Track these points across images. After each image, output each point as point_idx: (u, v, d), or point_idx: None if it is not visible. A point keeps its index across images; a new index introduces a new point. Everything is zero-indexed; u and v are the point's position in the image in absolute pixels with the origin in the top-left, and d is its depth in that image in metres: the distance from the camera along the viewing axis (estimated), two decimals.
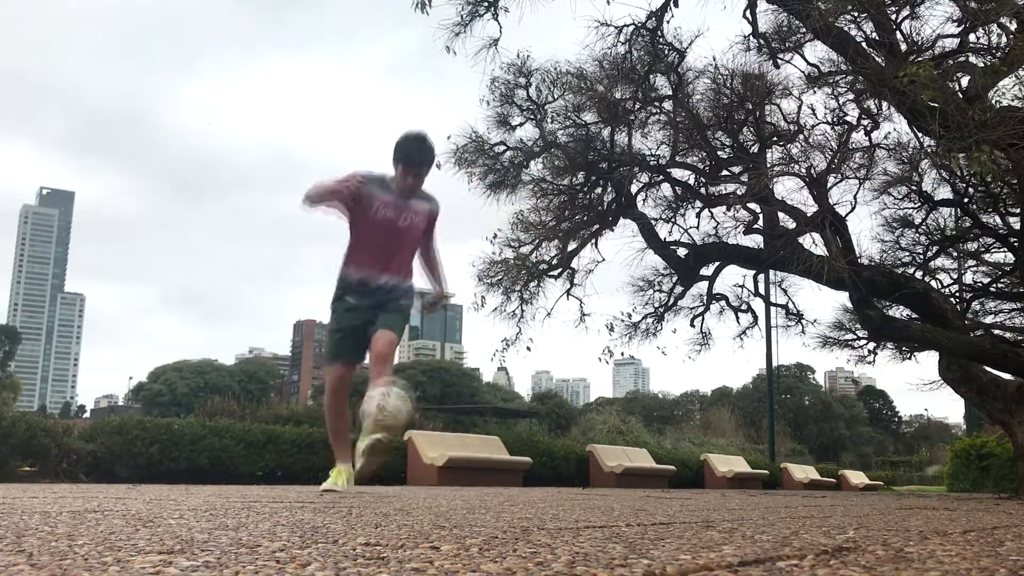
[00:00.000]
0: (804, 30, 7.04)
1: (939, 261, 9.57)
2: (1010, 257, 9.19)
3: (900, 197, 8.79)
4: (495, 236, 8.78)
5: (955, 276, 9.79)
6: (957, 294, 9.54)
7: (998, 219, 8.91)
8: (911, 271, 9.07)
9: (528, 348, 9.02)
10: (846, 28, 6.78)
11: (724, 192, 8.36)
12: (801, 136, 7.94)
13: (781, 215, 7.97)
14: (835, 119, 7.91)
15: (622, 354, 9.59)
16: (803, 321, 9.76)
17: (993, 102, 6.49)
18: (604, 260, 8.94)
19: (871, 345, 10.27)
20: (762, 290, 9.71)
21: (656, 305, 9.25)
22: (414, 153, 4.14)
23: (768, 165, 7.87)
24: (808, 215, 7.57)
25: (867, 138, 7.79)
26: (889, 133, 7.77)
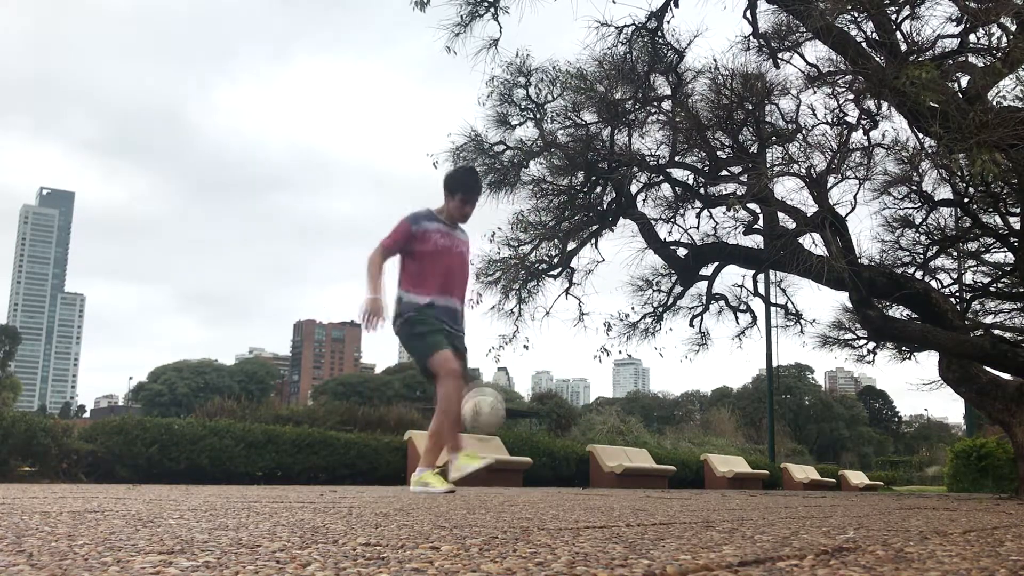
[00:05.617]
0: (804, 30, 7.03)
1: (939, 261, 9.56)
2: (1010, 257, 9.18)
3: (900, 197, 8.78)
4: (494, 235, 8.79)
5: (955, 276, 9.78)
6: (957, 294, 9.53)
7: (998, 219, 8.89)
8: (911, 271, 9.06)
9: (525, 347, 9.02)
10: (846, 28, 6.77)
11: (724, 192, 8.35)
12: (801, 136, 7.93)
13: (781, 215, 7.97)
14: (835, 119, 7.91)
15: (620, 352, 9.58)
16: (802, 321, 9.76)
17: (994, 103, 6.49)
18: (604, 260, 8.94)
19: (871, 345, 10.27)
20: (761, 290, 9.70)
21: (655, 305, 9.25)
22: (473, 184, 4.62)
23: (768, 165, 7.86)
24: (808, 215, 7.56)
25: (866, 137, 7.79)
26: (887, 131, 7.77)
